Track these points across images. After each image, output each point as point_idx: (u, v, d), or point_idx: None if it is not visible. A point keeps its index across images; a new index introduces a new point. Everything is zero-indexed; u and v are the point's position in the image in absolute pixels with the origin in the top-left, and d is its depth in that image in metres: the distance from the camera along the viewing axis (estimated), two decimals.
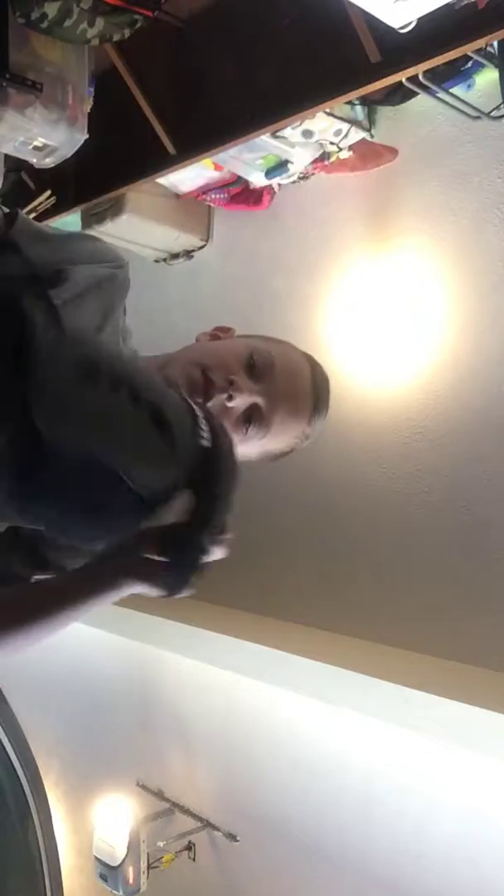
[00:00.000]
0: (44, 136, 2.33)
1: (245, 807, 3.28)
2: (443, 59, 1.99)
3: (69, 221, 3.06)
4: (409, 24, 1.70)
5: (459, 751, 2.51)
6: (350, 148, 2.61)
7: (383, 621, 2.64)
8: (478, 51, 2.01)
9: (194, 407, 0.70)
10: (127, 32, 2.12)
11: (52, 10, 1.98)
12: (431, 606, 2.56)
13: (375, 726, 2.70)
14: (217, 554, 0.73)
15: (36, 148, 2.37)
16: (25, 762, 4.36)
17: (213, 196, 2.99)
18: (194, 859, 3.45)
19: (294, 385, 1.05)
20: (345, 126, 2.51)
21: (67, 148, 2.39)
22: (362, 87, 2.13)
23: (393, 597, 2.65)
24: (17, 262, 0.82)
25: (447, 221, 2.52)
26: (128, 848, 3.41)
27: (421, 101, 2.47)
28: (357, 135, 2.57)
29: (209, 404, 0.99)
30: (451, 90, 2.26)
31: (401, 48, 1.99)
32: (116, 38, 2.14)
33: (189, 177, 2.88)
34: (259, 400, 1.02)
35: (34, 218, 2.19)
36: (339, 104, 2.33)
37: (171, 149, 2.56)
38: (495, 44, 2.06)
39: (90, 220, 3.08)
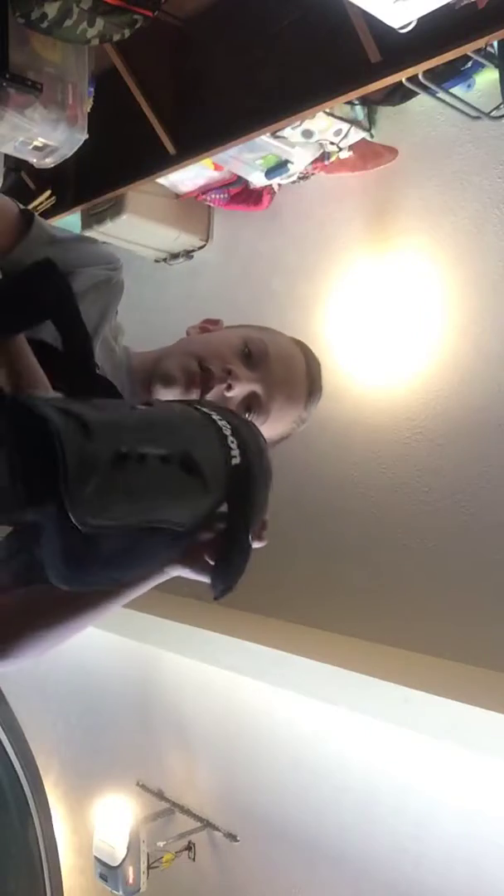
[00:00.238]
0: (44, 136, 2.32)
1: (245, 807, 3.28)
2: (443, 59, 1.98)
3: (69, 221, 3.06)
4: (409, 24, 1.70)
5: (459, 751, 2.51)
6: (350, 148, 2.61)
7: (383, 621, 2.64)
8: (478, 51, 2.01)
9: (217, 421, 0.70)
10: (127, 32, 2.11)
11: (52, 10, 1.98)
12: (431, 606, 2.56)
13: (375, 726, 2.70)
14: (257, 545, 0.75)
15: (36, 148, 2.37)
16: (25, 762, 4.36)
17: (212, 196, 2.99)
18: (194, 859, 3.45)
19: (289, 370, 1.07)
20: (345, 126, 2.52)
21: (67, 148, 2.39)
22: (362, 87, 2.13)
23: (393, 597, 2.65)
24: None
25: (447, 221, 2.52)
26: (128, 848, 3.41)
27: (421, 101, 2.47)
28: (357, 135, 2.57)
29: (208, 396, 1.00)
30: (451, 90, 2.27)
31: (401, 48, 1.99)
32: (116, 38, 2.13)
33: (189, 177, 2.88)
34: (257, 387, 1.03)
35: None
36: (339, 104, 2.33)
37: (171, 149, 2.56)
38: (495, 44, 2.06)
39: (90, 220, 3.08)
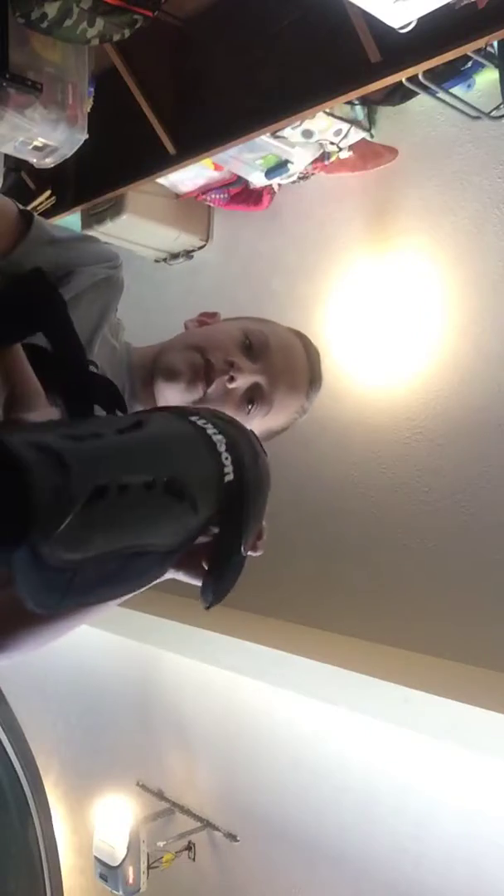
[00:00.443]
0: (44, 136, 2.33)
1: (245, 807, 3.28)
2: (443, 59, 1.99)
3: (69, 221, 3.06)
4: (409, 24, 1.70)
5: (459, 751, 2.51)
6: (350, 148, 2.61)
7: (383, 621, 2.64)
8: (478, 51, 2.01)
9: (212, 436, 0.67)
10: (127, 32, 2.12)
11: (52, 10, 1.98)
12: (431, 606, 2.56)
13: (375, 726, 2.70)
14: (253, 555, 0.74)
15: (36, 148, 2.37)
16: (25, 762, 4.36)
17: (212, 196, 2.99)
18: (194, 859, 3.45)
19: (290, 361, 1.07)
20: (345, 126, 2.52)
21: (67, 148, 2.39)
22: (362, 87, 2.13)
23: (393, 597, 2.65)
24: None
25: (447, 221, 2.52)
26: (128, 848, 3.41)
27: (421, 101, 2.47)
28: (357, 135, 2.57)
29: (211, 388, 1.00)
30: (451, 90, 2.27)
31: (401, 48, 1.99)
32: (116, 38, 2.13)
33: (189, 177, 2.88)
34: (259, 379, 1.03)
35: None
36: (339, 104, 2.33)
37: (171, 149, 2.56)
38: (495, 44, 2.06)
39: (90, 220, 3.08)
